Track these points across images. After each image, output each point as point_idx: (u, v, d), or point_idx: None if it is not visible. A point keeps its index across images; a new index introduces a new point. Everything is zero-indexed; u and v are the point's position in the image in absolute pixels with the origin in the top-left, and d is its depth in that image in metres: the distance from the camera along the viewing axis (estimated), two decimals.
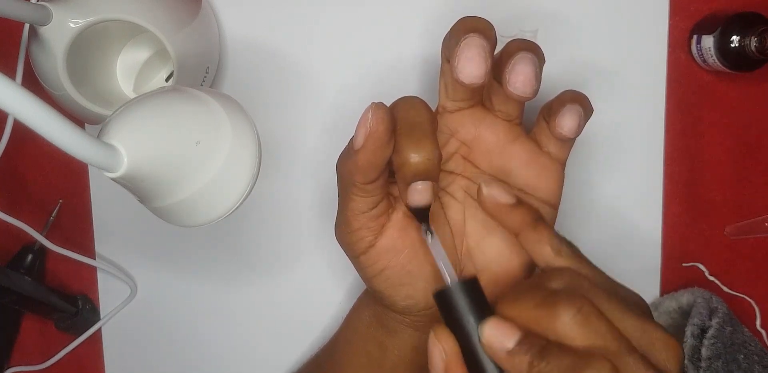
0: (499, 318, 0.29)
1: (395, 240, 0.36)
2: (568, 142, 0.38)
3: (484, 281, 0.36)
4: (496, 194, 0.34)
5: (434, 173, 0.33)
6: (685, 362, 0.32)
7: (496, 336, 0.29)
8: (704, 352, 0.40)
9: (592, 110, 0.36)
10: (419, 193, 0.33)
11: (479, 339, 0.29)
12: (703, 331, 0.42)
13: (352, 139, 0.34)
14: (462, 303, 0.30)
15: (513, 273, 0.38)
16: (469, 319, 0.30)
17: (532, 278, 0.33)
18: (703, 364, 0.39)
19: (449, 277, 0.32)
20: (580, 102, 0.35)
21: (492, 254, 0.38)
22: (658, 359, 0.29)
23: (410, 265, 0.37)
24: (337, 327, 0.45)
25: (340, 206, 0.37)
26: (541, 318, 0.29)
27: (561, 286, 0.31)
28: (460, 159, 0.39)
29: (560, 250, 0.34)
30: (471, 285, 0.31)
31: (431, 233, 0.34)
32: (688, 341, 0.42)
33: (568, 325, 0.28)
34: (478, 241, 0.38)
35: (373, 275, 0.37)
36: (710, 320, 0.43)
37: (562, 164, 0.38)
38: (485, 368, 0.30)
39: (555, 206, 0.38)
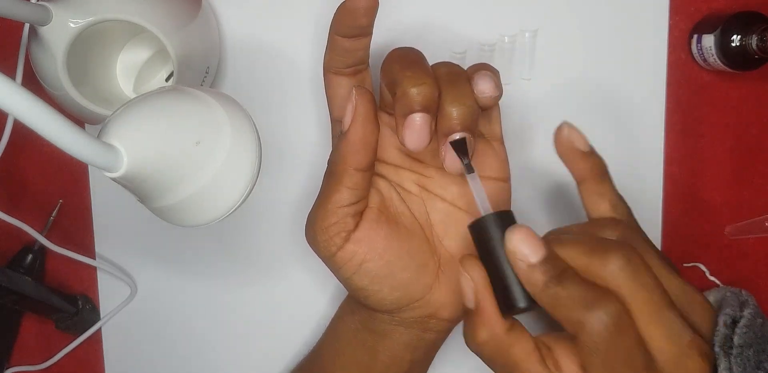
0: (528, 229, 0.29)
1: (368, 232, 0.37)
2: (495, 117, 0.39)
3: None
4: (575, 139, 0.36)
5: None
6: (716, 349, 0.32)
7: (522, 246, 0.29)
8: (736, 340, 0.41)
9: (497, 70, 0.36)
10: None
11: (505, 244, 0.30)
12: (735, 321, 0.43)
13: (339, 131, 0.35)
14: (495, 233, 0.31)
15: None
16: (501, 247, 0.30)
17: (584, 224, 0.33)
18: (734, 351, 0.39)
19: (484, 209, 0.32)
20: (483, 68, 0.35)
21: (461, 238, 0.39)
22: (694, 319, 0.31)
23: (387, 255, 0.37)
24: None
25: (318, 201, 0.37)
26: (590, 264, 0.29)
27: (614, 236, 0.32)
28: (401, 154, 0.39)
29: (617, 206, 0.36)
30: (505, 216, 0.31)
31: (472, 169, 0.34)
32: (721, 330, 0.43)
33: (616, 273, 0.29)
34: (445, 229, 0.39)
35: (353, 271, 0.37)
36: (741, 311, 0.44)
37: (500, 141, 0.39)
38: (515, 296, 0.30)
39: (506, 180, 0.40)
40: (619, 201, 0.36)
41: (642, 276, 0.29)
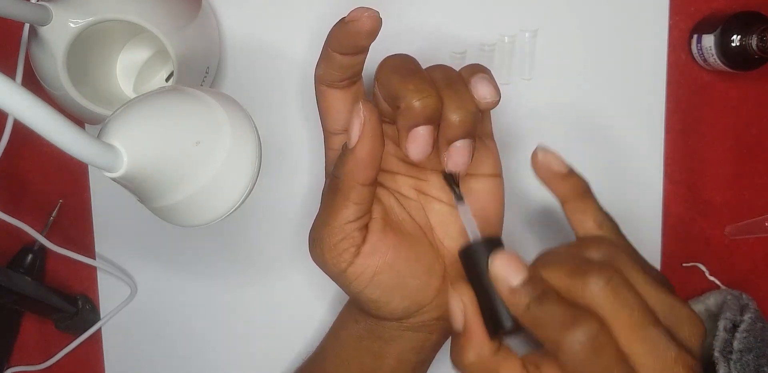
0: (512, 253, 0.30)
1: (376, 243, 0.37)
2: (486, 115, 0.39)
3: None
4: (552, 161, 0.36)
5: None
6: (716, 354, 0.32)
7: (504, 270, 0.30)
8: (736, 345, 0.41)
9: (490, 70, 0.36)
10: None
11: (488, 269, 0.30)
12: (735, 326, 0.43)
13: (344, 146, 0.35)
14: (482, 258, 0.32)
15: None
16: (487, 272, 0.31)
17: (570, 245, 0.34)
18: (734, 356, 0.39)
19: (473, 236, 0.33)
20: (479, 71, 0.35)
21: (461, 237, 0.39)
22: (682, 335, 0.30)
23: (397, 264, 0.37)
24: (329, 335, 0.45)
25: (323, 218, 0.37)
26: (572, 285, 0.30)
27: (598, 256, 0.32)
28: (397, 160, 0.39)
29: (603, 223, 0.36)
30: (492, 242, 0.32)
31: (461, 198, 0.35)
32: (720, 334, 0.42)
33: (596, 293, 0.29)
34: (445, 230, 0.39)
35: (364, 285, 0.37)
36: (742, 315, 0.43)
37: (491, 137, 0.39)
38: (501, 318, 0.31)
39: (499, 175, 0.39)
40: (605, 218, 0.36)
41: (623, 295, 0.29)
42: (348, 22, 0.33)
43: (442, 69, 0.35)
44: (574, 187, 0.36)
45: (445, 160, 0.34)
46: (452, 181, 0.35)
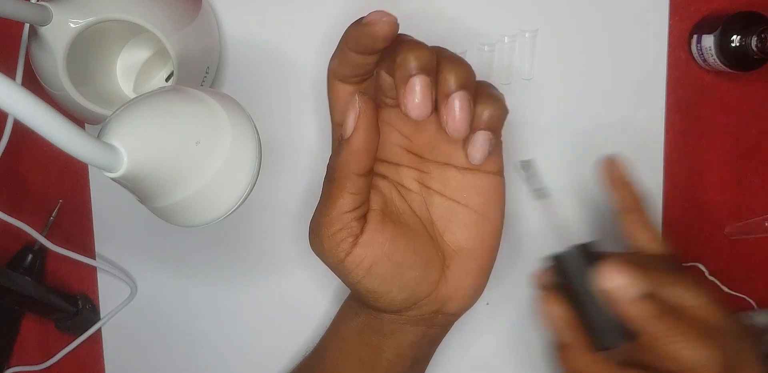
0: (619, 262, 0.33)
1: (375, 234, 0.37)
2: None
3: (465, 258, 0.39)
4: (619, 167, 0.42)
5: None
6: None
7: (619, 281, 0.33)
8: None
9: (507, 112, 0.36)
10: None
11: (599, 282, 0.33)
12: None
13: (340, 136, 0.36)
14: (581, 266, 0.33)
15: (487, 244, 0.39)
16: (585, 279, 0.33)
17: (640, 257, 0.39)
18: None
19: (562, 237, 0.35)
20: (491, 125, 0.35)
21: (461, 232, 0.39)
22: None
23: (395, 255, 0.37)
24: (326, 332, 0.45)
25: (321, 208, 0.37)
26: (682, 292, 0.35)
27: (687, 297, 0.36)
28: (402, 151, 0.39)
29: (658, 237, 0.41)
30: (588, 248, 0.34)
31: (544, 194, 0.37)
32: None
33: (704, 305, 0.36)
34: (445, 224, 0.39)
35: (362, 275, 0.37)
36: None
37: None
38: (608, 333, 0.33)
39: (502, 174, 0.40)
40: (658, 232, 0.41)
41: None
42: (365, 24, 0.33)
43: (442, 48, 0.36)
44: (633, 196, 0.41)
45: (445, 119, 0.34)
46: (531, 172, 0.35)
